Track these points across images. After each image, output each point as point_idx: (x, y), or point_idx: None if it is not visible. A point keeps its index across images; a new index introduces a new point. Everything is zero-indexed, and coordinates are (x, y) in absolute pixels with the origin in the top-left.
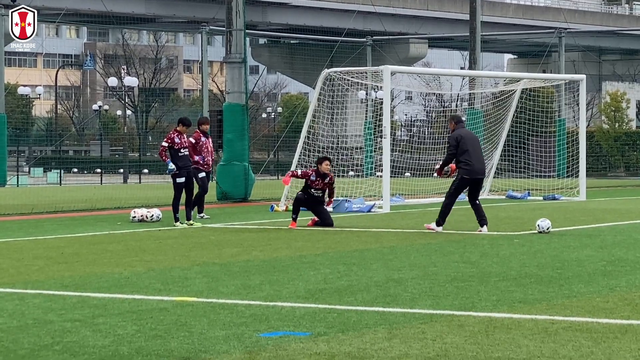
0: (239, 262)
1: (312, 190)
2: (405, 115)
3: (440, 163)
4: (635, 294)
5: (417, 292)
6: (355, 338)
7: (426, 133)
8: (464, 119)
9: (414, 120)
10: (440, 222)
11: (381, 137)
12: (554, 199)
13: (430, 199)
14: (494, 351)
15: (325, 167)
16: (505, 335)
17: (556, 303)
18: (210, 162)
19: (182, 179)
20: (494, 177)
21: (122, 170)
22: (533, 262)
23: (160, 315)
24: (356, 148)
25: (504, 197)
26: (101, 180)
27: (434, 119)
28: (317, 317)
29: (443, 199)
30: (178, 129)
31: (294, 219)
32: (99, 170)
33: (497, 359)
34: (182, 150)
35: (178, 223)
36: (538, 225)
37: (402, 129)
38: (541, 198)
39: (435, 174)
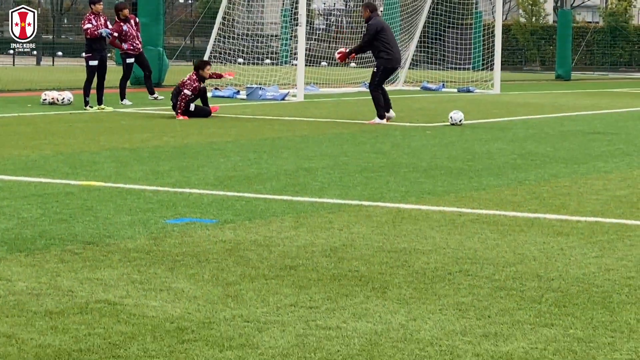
0: (149, 147)
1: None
2: (324, 4)
3: (351, 48)
4: (544, 188)
5: (327, 181)
6: (262, 226)
7: (344, 22)
8: (381, 8)
9: (332, 9)
10: (382, 115)
11: (297, 25)
12: (468, 91)
13: (344, 88)
14: (401, 242)
15: (207, 71)
16: (412, 226)
17: (464, 195)
18: (139, 45)
19: (95, 62)
20: (409, 69)
21: (35, 52)
22: (444, 154)
23: (66, 200)
24: (272, 36)
25: (418, 88)
26: (13, 61)
27: (352, 8)
28: (224, 204)
29: (358, 89)
30: (93, 10)
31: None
32: (11, 51)
33: (403, 250)
34: (97, 33)
35: (88, 107)
36: (451, 117)
37: (320, 18)
38: (455, 90)
39: (337, 58)
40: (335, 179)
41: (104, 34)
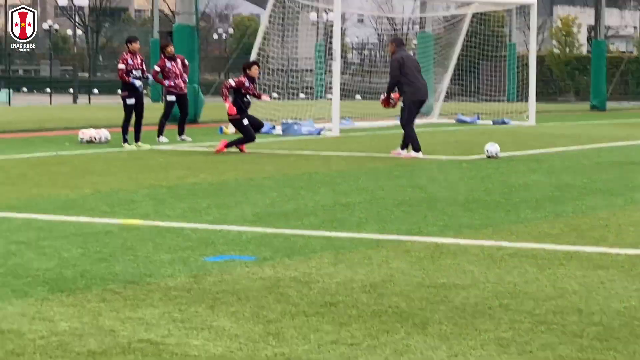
0: (187, 184)
1: (247, 97)
2: (357, 38)
3: (385, 91)
4: (582, 220)
5: (364, 216)
6: (301, 263)
7: (377, 56)
8: (414, 42)
9: (365, 44)
10: (417, 148)
11: (332, 59)
12: (504, 123)
13: (379, 122)
14: (440, 277)
15: (254, 71)
16: (451, 260)
17: (503, 229)
18: (182, 85)
19: (132, 100)
20: (443, 101)
21: (71, 90)
22: (481, 187)
23: (105, 238)
24: (307, 70)
25: (453, 121)
26: (50, 100)
27: (386, 42)
28: (263, 241)
29: (392, 122)
30: (130, 49)
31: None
32: (48, 90)
33: (442, 285)
34: (134, 72)
35: (126, 144)
36: (487, 149)
37: (354, 52)
38: (491, 122)
39: (382, 105)
40: (372, 213)
41: (136, 85)
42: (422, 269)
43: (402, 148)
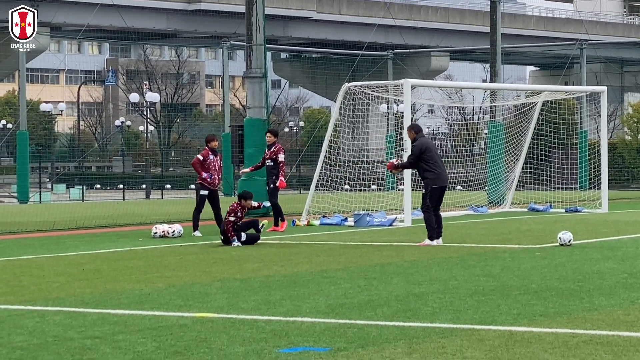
0: (260, 277)
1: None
2: (428, 128)
3: (400, 163)
4: None
5: (438, 306)
6: (375, 353)
7: (448, 146)
8: (485, 131)
9: (436, 134)
10: (433, 236)
11: (403, 150)
12: (576, 211)
13: (452, 212)
14: None
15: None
16: (525, 349)
17: (577, 316)
18: (217, 181)
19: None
20: (515, 190)
21: (144, 186)
22: (554, 275)
23: (180, 332)
24: (378, 162)
25: (525, 209)
26: (123, 196)
27: (456, 131)
28: (337, 332)
29: (465, 212)
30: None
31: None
32: (121, 186)
33: None
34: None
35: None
36: (560, 237)
37: None
38: (563, 210)
39: (387, 168)
40: (446, 303)
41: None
42: (497, 357)
43: (438, 237)
